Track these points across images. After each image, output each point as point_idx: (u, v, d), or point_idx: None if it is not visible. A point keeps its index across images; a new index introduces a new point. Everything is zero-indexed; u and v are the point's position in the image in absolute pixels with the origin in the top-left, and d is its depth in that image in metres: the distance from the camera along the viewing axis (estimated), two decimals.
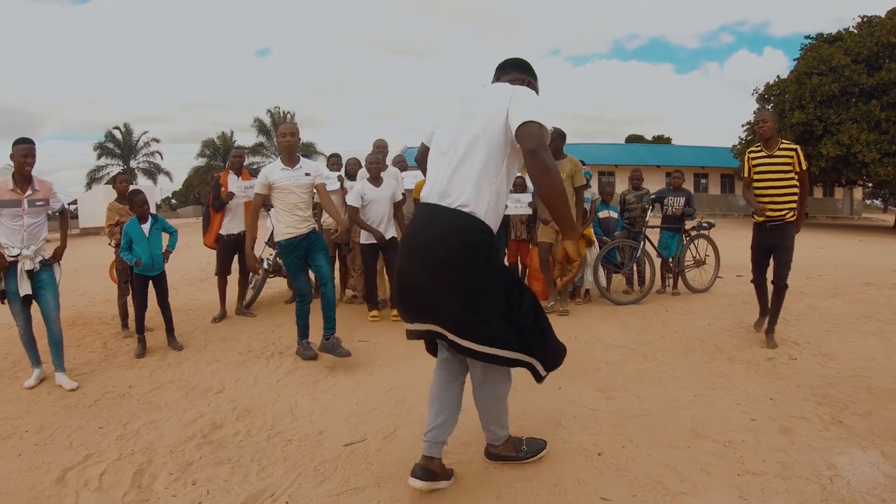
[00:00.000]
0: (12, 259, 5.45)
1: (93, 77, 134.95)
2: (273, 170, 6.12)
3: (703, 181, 46.38)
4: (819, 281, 10.65)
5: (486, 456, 3.71)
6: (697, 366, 5.72)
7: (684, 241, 9.61)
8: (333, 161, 9.55)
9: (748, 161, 6.38)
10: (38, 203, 5.62)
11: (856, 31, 31.13)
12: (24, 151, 5.47)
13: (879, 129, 27.47)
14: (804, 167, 6.09)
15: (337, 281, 9.00)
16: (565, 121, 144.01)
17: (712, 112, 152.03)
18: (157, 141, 60.96)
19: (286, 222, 6.08)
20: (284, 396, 5.15)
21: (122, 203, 7.42)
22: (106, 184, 51.15)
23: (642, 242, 9.15)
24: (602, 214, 9.61)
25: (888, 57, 28.44)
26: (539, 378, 3.27)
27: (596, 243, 9.01)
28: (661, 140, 68.89)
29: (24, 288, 5.49)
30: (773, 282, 6.36)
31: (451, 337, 3.06)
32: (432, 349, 3.55)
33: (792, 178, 6.11)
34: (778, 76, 33.16)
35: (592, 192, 9.43)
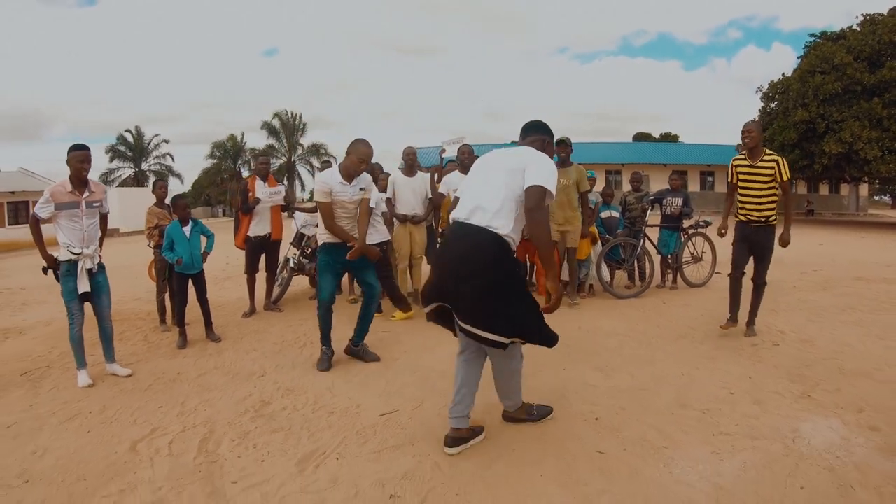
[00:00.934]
0: (73, 258, 5.75)
1: (100, 79, 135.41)
2: (333, 181, 5.99)
3: (709, 179, 46.60)
4: (812, 276, 11.15)
5: (503, 418, 4.51)
6: (687, 350, 6.35)
7: (682, 239, 10.12)
8: None
9: (733, 168, 6.77)
10: (94, 204, 5.95)
11: (858, 30, 31.36)
12: (81, 157, 5.80)
13: (881, 127, 27.78)
14: (786, 178, 6.46)
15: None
16: (573, 119, 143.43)
17: (720, 109, 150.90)
18: (168, 142, 61.89)
19: (329, 231, 6.11)
20: (321, 378, 5.79)
21: (160, 207, 8.07)
22: (118, 186, 51.95)
23: (642, 240, 9.68)
24: (605, 214, 10.10)
25: (890, 55, 28.71)
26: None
27: (599, 241, 9.62)
28: (668, 138, 69.05)
29: (84, 285, 5.79)
30: (752, 279, 6.79)
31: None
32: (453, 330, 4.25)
33: (772, 187, 6.51)
34: (783, 74, 33.44)
35: (595, 194, 10.04)
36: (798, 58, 33.26)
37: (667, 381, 5.38)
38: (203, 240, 7.57)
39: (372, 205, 7.90)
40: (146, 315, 9.00)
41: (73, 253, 5.76)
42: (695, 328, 7.26)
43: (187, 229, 7.28)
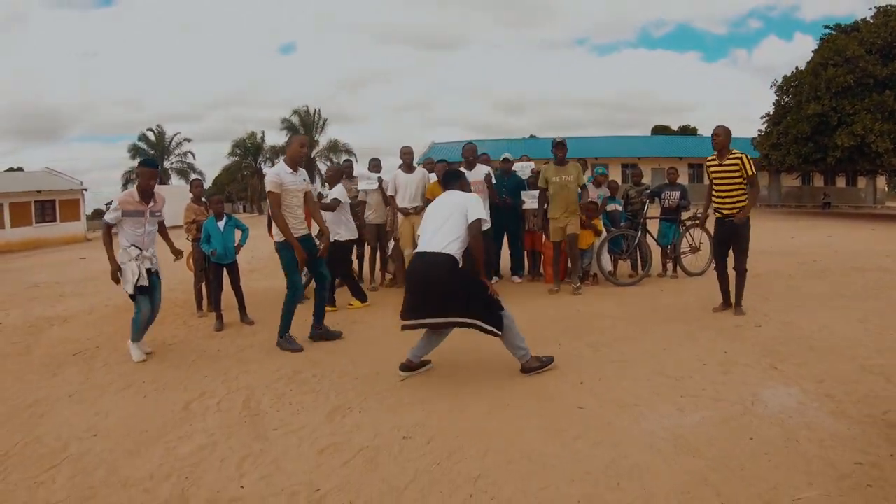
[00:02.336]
0: (133, 259, 6.41)
1: (119, 78, 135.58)
2: (283, 172, 6.69)
3: None
4: (810, 266, 11.56)
5: (522, 371, 5.57)
6: (673, 331, 6.92)
7: (680, 231, 10.61)
8: (374, 164, 10.76)
9: (706, 168, 7.65)
10: (156, 213, 6.67)
11: (872, 22, 31.18)
12: (150, 175, 6.56)
13: (893, 120, 27.70)
14: (751, 173, 7.27)
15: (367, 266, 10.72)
16: (591, 110, 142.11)
17: (741, 100, 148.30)
18: (189, 140, 62.71)
19: (290, 222, 6.68)
20: (345, 354, 6.55)
21: (197, 204, 8.81)
22: None
23: (640, 231, 10.22)
24: (610, 208, 10.65)
25: None
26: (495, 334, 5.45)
27: (604, 233, 10.18)
28: (687, 130, 68.84)
29: (143, 280, 6.43)
30: (734, 268, 7.49)
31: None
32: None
33: (740, 182, 7.31)
34: (796, 67, 33.30)
35: (603, 188, 10.66)
36: (812, 51, 33.09)
37: (648, 355, 6.02)
38: (237, 233, 8.31)
39: (342, 199, 8.80)
40: (183, 303, 9.71)
41: (132, 255, 6.43)
42: (686, 312, 7.83)
43: (222, 224, 8.03)
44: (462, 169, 8.95)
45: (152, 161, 6.82)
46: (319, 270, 7.14)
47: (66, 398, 5.46)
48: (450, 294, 5.31)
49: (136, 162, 57.72)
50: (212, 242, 7.97)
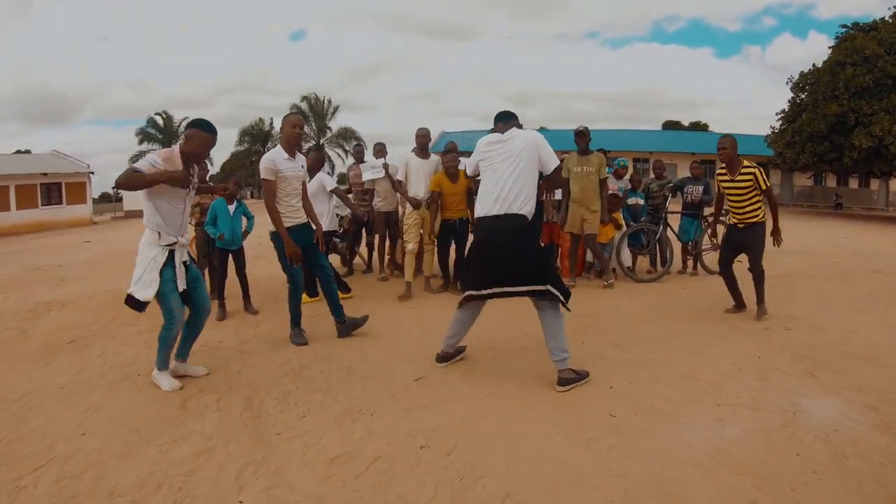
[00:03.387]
0: (170, 246, 4.99)
1: (128, 62, 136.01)
2: (279, 159, 6.19)
3: None
4: (831, 267, 11.27)
5: (559, 383, 4.90)
6: (701, 331, 6.62)
7: (702, 227, 10.34)
8: (378, 149, 10.23)
9: (717, 180, 7.31)
10: (194, 189, 5.32)
11: (891, 21, 30.91)
12: (208, 142, 5.14)
13: None
14: (766, 186, 6.87)
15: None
16: (602, 105, 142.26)
17: (754, 97, 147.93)
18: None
19: (285, 212, 6.25)
20: (355, 347, 6.19)
21: (230, 204, 8.31)
22: None
23: (662, 226, 9.93)
24: (631, 201, 10.37)
25: None
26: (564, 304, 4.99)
27: (624, 227, 9.90)
28: (697, 127, 68.71)
29: (182, 282, 5.08)
30: (749, 269, 7.14)
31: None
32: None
33: (754, 195, 6.92)
34: (813, 65, 32.92)
35: (625, 181, 10.33)
36: (829, 48, 32.76)
37: (678, 357, 5.70)
38: (244, 221, 7.97)
39: (329, 188, 8.40)
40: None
41: (167, 242, 4.99)
42: (711, 312, 7.50)
43: (232, 208, 7.72)
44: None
45: (213, 126, 5.23)
46: (316, 262, 6.57)
47: (57, 391, 5.10)
48: (525, 260, 4.89)
49: (144, 147, 57.88)
50: (219, 225, 7.61)
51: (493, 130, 5.33)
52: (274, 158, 6.19)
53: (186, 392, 4.99)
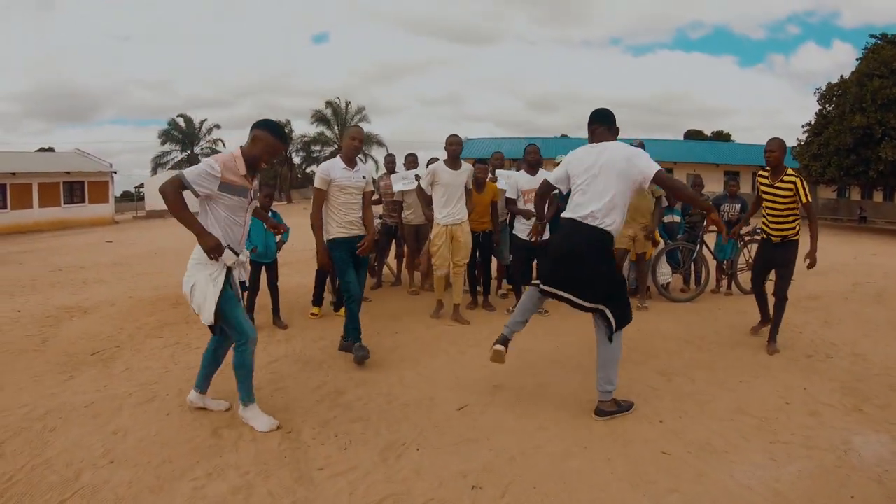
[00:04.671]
0: (230, 263, 4.45)
1: (150, 62, 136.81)
2: (334, 168, 6.20)
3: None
4: (865, 287, 10.99)
5: (596, 414, 4.80)
6: (743, 358, 6.43)
7: (738, 246, 10.10)
8: (410, 160, 10.16)
9: (757, 181, 6.92)
10: (256, 195, 4.84)
11: None
12: (276, 149, 4.59)
13: None
14: (806, 200, 6.49)
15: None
16: (624, 112, 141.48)
17: (777, 106, 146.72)
18: (219, 127, 62.67)
19: (339, 221, 6.20)
20: (392, 370, 5.95)
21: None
22: (170, 169, 53.04)
23: (699, 245, 9.70)
24: (667, 219, 10.06)
25: None
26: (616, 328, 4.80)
27: (661, 244, 9.62)
28: (720, 136, 68.33)
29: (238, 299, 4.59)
30: (773, 294, 6.77)
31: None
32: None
33: (793, 205, 6.56)
34: (841, 76, 32.43)
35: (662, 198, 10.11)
36: (857, 59, 32.32)
37: (725, 387, 5.53)
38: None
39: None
40: None
41: (227, 259, 4.43)
42: (750, 336, 7.30)
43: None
44: (524, 173, 8.34)
45: (282, 130, 4.69)
46: (346, 280, 6.12)
47: (81, 409, 4.92)
48: (593, 277, 4.70)
49: (166, 147, 58.27)
50: (252, 239, 7.22)
51: (589, 131, 5.10)
52: (329, 168, 6.22)
53: (218, 419, 4.75)
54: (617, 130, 5.02)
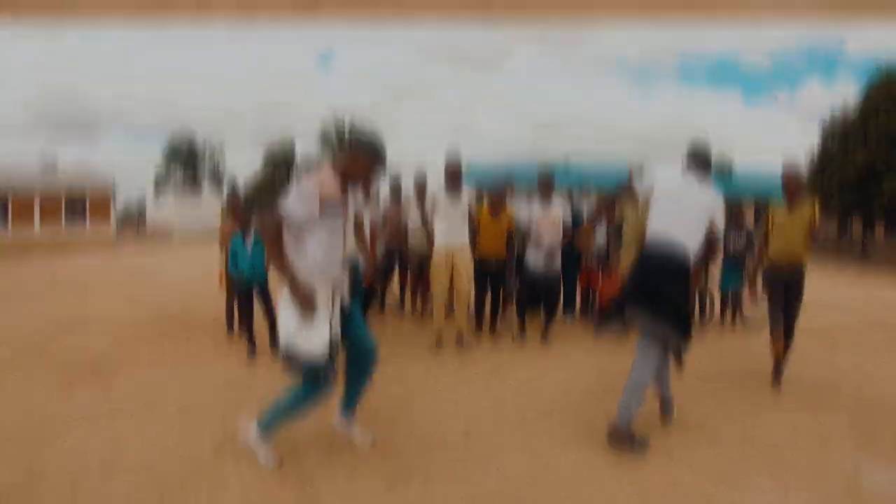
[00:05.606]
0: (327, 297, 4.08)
1: (154, 79, 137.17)
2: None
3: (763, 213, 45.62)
4: (872, 325, 10.83)
5: (610, 437, 4.68)
6: (753, 390, 6.39)
7: (744, 278, 9.73)
8: (419, 188, 9.55)
9: (771, 217, 6.64)
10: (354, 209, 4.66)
11: None
12: (375, 163, 4.18)
13: None
14: (817, 225, 6.36)
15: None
16: (625, 142, 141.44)
17: (780, 140, 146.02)
18: (222, 146, 63.55)
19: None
20: (396, 397, 5.84)
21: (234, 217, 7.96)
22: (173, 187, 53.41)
23: (704, 277, 9.52)
24: None
25: None
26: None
27: None
28: (721, 167, 68.50)
29: (337, 330, 4.17)
30: (783, 329, 6.52)
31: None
32: None
33: (806, 233, 6.37)
34: (843, 110, 32.72)
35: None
36: (860, 94, 32.28)
37: (733, 419, 5.47)
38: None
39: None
40: (212, 320, 8.87)
41: (332, 277, 4.14)
42: (757, 371, 7.14)
43: (249, 242, 7.20)
44: (536, 203, 8.08)
45: (381, 149, 4.22)
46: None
47: (78, 420, 4.90)
48: (673, 296, 4.73)
49: (167, 162, 58.53)
50: (238, 264, 7.16)
51: (686, 167, 5.18)
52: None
53: (219, 433, 4.72)
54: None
